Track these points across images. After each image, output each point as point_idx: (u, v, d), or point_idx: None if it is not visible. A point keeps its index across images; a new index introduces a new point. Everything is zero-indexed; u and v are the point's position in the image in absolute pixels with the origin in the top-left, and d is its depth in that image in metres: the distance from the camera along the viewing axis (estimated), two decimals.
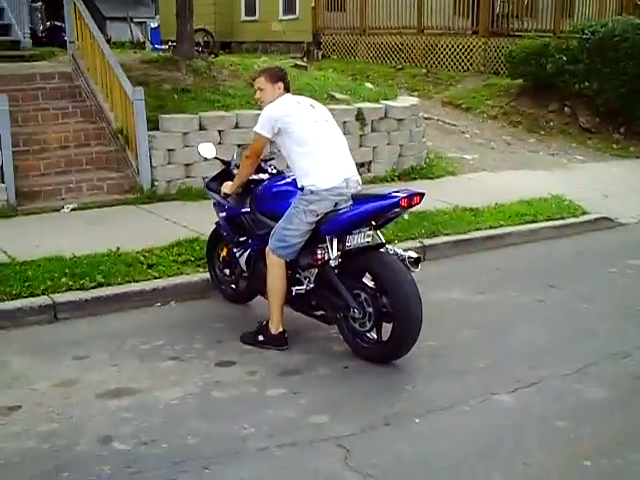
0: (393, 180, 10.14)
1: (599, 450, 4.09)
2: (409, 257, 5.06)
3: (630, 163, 12.78)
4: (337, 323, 5.24)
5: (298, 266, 5.26)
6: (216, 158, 6.04)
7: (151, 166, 8.36)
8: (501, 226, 8.45)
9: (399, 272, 4.91)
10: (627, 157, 13.15)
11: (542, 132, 14.03)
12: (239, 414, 4.30)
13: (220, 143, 8.59)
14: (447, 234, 7.99)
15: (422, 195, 4.93)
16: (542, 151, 13.14)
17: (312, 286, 5.23)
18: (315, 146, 5.05)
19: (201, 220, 7.47)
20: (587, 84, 14.27)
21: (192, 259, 6.56)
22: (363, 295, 4.99)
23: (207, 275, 6.32)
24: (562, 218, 9.02)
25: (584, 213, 9.30)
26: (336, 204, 5.02)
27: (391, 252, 5.11)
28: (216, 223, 6.07)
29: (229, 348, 5.21)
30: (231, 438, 4.05)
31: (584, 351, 5.40)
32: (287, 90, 5.31)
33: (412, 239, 7.69)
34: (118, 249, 6.52)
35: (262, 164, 5.68)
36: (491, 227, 8.35)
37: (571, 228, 8.94)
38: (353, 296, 5.00)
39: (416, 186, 9.99)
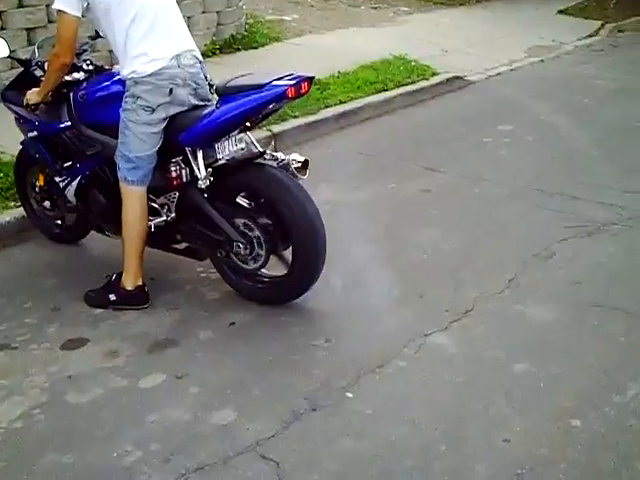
0: (214, 54, 8.69)
1: (581, 400, 3.26)
2: (294, 161, 3.90)
3: (457, 12, 11.98)
4: (216, 263, 4.07)
5: (149, 191, 3.99)
6: (10, 57, 4.47)
7: None
8: (352, 99, 7.36)
9: (292, 187, 3.76)
10: (452, 5, 12.33)
11: None
12: (114, 429, 3.07)
13: (3, 29, 6.82)
14: (296, 116, 6.82)
15: (311, 80, 3.73)
16: (363, 5, 12.05)
17: (173, 215, 3.98)
18: (132, 16, 3.67)
19: None
20: None
21: None
22: (246, 222, 3.82)
23: (22, 211, 4.86)
24: (413, 82, 8.09)
25: (434, 74, 8.42)
26: (171, 91, 3.73)
27: (269, 159, 3.93)
28: (23, 143, 4.58)
29: (73, 317, 3.90)
30: (112, 475, 2.85)
31: (504, 255, 4.54)
32: None
33: (259, 127, 6.46)
34: None
35: (74, 60, 4.20)
36: (341, 102, 7.24)
37: (424, 92, 8.06)
38: (233, 226, 3.82)
39: (242, 58, 8.87)
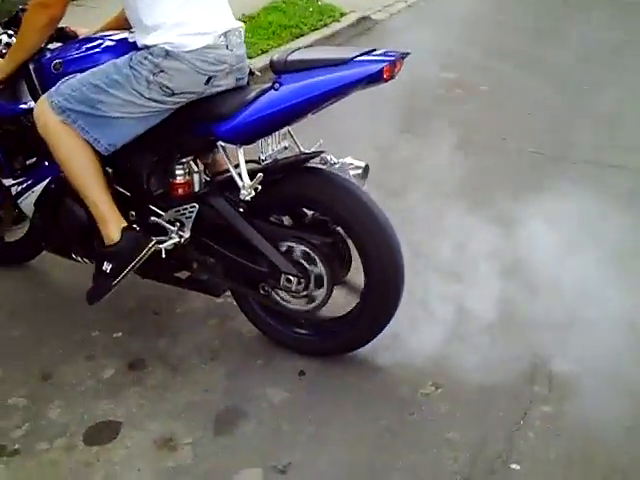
0: None
1: None
2: (351, 165, 2.95)
3: None
4: (242, 303, 3.07)
5: (150, 199, 2.91)
6: None
7: None
8: (272, 48, 6.35)
9: (362, 198, 2.81)
10: None
11: None
12: None
13: None
14: None
15: (405, 57, 2.73)
16: None
17: (187, 236, 2.92)
18: None
19: None
20: None
21: None
22: (291, 246, 2.83)
23: None
24: (326, 25, 7.17)
25: (342, 14, 7.52)
26: (209, 81, 2.68)
27: (317, 162, 2.96)
28: None
29: (76, 385, 2.81)
30: None
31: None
32: None
33: None
34: None
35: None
36: (263, 51, 6.21)
37: (339, 36, 7.23)
38: (281, 252, 2.84)
39: (78, 13, 7.39)
